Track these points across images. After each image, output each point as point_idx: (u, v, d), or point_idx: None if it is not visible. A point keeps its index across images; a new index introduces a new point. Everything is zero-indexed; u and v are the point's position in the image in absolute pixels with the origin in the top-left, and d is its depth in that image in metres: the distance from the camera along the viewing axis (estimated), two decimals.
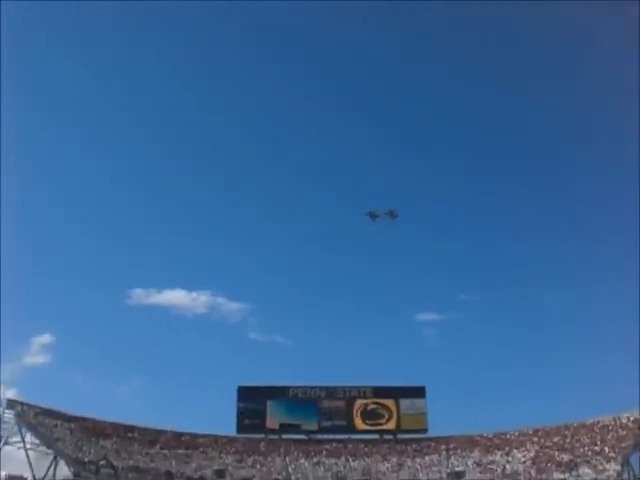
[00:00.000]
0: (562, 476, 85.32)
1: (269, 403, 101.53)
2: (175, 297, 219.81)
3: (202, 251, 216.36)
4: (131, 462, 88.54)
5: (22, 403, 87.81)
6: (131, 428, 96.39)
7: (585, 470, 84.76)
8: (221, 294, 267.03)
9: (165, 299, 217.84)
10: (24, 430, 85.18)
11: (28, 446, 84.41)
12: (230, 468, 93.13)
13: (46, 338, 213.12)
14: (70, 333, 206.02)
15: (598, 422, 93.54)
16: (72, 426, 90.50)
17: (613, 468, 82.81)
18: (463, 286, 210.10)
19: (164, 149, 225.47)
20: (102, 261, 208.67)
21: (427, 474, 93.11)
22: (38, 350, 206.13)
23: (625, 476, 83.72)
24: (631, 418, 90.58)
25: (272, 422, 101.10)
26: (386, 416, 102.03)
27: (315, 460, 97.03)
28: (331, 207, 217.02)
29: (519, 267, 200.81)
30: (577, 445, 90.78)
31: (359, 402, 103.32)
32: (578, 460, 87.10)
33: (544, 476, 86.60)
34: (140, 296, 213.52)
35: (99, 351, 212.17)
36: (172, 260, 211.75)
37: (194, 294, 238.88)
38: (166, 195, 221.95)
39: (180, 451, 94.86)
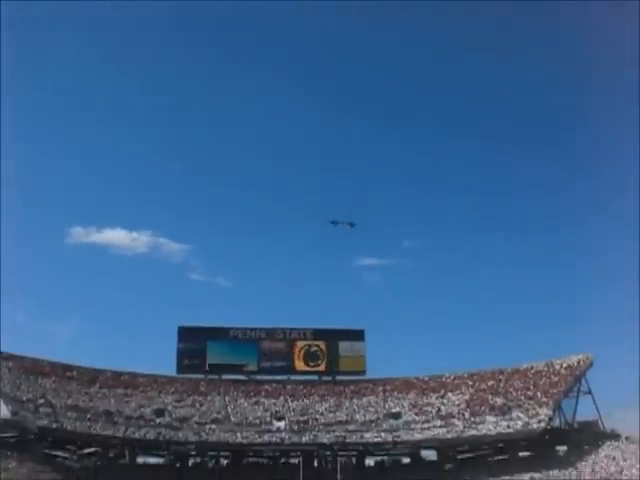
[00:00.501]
0: (495, 419, 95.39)
1: (209, 344, 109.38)
2: (115, 236, 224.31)
3: (143, 190, 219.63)
4: (70, 401, 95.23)
5: None
6: (70, 367, 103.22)
7: (518, 414, 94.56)
8: (162, 234, 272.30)
9: (105, 238, 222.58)
10: None
11: None
12: (169, 407, 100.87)
13: None
14: (7, 271, 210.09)
15: (532, 368, 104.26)
16: (10, 365, 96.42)
17: (545, 413, 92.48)
18: (406, 233, 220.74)
19: (109, 91, 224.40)
20: (41, 198, 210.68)
21: (364, 415, 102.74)
22: None
23: (556, 421, 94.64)
24: (564, 365, 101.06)
25: (212, 362, 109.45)
26: (325, 358, 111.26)
27: (254, 400, 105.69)
28: (274, 147, 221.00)
29: (461, 215, 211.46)
30: (511, 389, 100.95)
31: (299, 344, 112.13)
32: (511, 404, 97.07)
33: (478, 419, 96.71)
34: (79, 235, 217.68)
35: (37, 289, 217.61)
36: (112, 199, 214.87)
37: (135, 234, 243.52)
38: (106, 132, 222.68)
39: (119, 391, 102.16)
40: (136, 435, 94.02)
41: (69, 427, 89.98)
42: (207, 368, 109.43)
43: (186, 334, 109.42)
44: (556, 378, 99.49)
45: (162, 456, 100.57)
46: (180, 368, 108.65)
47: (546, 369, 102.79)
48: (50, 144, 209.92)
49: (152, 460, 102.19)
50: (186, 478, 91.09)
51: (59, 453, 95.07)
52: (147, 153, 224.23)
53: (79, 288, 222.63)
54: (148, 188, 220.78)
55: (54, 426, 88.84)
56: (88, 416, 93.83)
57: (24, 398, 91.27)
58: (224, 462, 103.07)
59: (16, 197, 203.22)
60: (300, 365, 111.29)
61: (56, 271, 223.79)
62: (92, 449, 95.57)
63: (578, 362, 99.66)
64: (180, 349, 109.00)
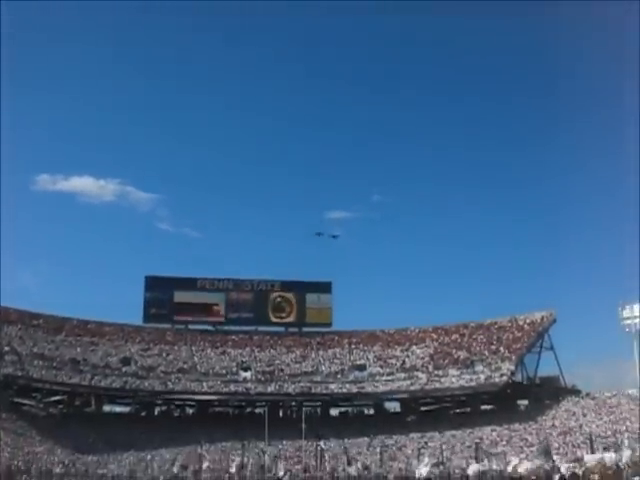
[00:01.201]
0: (458, 372, 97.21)
1: (176, 294, 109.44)
2: (82, 184, 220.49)
3: (111, 138, 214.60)
4: (36, 349, 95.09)
5: None
6: (36, 315, 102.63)
7: (480, 368, 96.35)
8: (130, 183, 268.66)
9: (72, 186, 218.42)
10: None
11: None
12: (136, 356, 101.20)
13: None
14: None
15: (495, 323, 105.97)
16: None
17: (507, 367, 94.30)
18: (375, 187, 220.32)
19: (77, 39, 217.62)
20: (6, 146, 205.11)
21: (329, 366, 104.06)
22: None
23: (518, 376, 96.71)
24: (527, 320, 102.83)
25: (179, 312, 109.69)
26: (292, 309, 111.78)
27: (221, 350, 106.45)
28: (244, 100, 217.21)
29: (429, 170, 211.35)
30: (474, 344, 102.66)
31: (266, 295, 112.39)
32: (474, 358, 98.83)
33: (441, 372, 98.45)
34: (46, 182, 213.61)
35: (1, 237, 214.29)
36: (80, 146, 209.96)
37: (102, 182, 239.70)
38: (74, 80, 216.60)
39: (86, 339, 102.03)
40: (102, 384, 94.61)
41: (35, 375, 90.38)
42: (174, 318, 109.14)
43: (153, 283, 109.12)
44: (519, 334, 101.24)
45: (128, 405, 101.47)
46: (147, 317, 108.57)
47: (509, 324, 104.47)
48: (16, 90, 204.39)
49: (118, 409, 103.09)
50: (152, 427, 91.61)
51: (25, 401, 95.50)
52: (116, 101, 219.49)
53: (45, 236, 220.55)
54: (116, 136, 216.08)
55: (20, 374, 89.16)
56: (54, 364, 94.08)
57: None
58: (190, 411, 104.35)
59: None
60: (267, 316, 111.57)
61: (22, 219, 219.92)
62: (58, 397, 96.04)
63: (541, 318, 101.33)
64: (147, 298, 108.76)
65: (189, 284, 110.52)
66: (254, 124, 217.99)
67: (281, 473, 45.85)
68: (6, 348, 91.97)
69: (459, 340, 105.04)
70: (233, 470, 43.29)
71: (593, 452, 45.01)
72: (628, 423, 75.65)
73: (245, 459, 74.94)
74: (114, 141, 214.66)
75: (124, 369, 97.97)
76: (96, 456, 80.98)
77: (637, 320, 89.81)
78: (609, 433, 73.53)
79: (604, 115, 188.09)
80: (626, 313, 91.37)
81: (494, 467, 52.59)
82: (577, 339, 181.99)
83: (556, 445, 73.42)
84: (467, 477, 46.92)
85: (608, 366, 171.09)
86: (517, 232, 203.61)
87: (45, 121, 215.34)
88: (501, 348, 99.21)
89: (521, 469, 34.63)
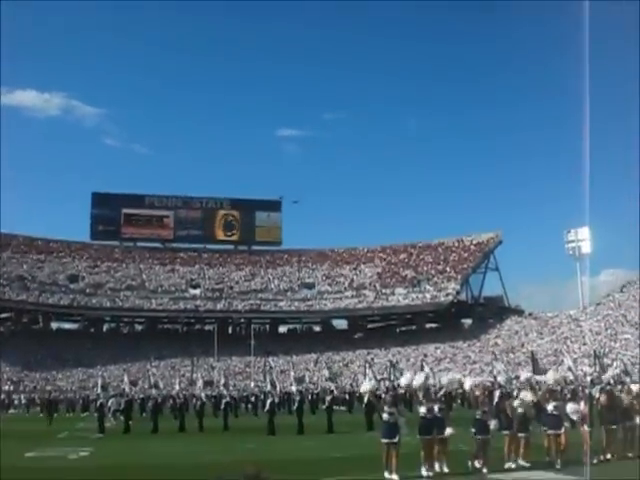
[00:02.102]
0: (405, 291, 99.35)
1: (124, 211, 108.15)
2: (26, 97, 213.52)
3: (55, 49, 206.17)
4: None
5: None
6: None
7: (427, 287, 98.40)
8: (76, 97, 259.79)
9: (16, 99, 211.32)
10: None
11: None
12: (84, 273, 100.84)
13: None
14: None
15: (442, 243, 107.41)
16: None
17: (453, 287, 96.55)
18: (326, 105, 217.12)
19: None
20: None
21: (279, 284, 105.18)
22: None
23: (463, 295, 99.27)
24: (474, 241, 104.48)
25: (126, 229, 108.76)
26: (242, 227, 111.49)
27: (169, 268, 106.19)
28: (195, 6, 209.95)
29: (379, 91, 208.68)
30: (421, 263, 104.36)
31: (215, 212, 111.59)
32: (421, 277, 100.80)
33: (388, 290, 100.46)
34: None
35: None
36: (23, 57, 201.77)
37: (47, 95, 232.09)
38: None
39: (33, 256, 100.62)
40: (50, 301, 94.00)
41: None
42: (122, 235, 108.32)
43: (100, 200, 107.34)
44: (465, 254, 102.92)
45: (77, 322, 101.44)
46: (94, 234, 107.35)
47: (456, 245, 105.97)
48: None
49: (67, 326, 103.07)
50: (101, 344, 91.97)
51: None
52: (60, 9, 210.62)
53: None
54: (61, 47, 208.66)
55: None
56: (0, 281, 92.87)
57: None
58: (139, 328, 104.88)
59: None
60: (216, 234, 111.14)
61: None
62: (5, 315, 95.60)
63: (488, 239, 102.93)
64: (94, 215, 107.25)
65: (137, 201, 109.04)
66: (207, 35, 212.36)
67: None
68: None
69: (407, 260, 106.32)
70: (177, 388, 43.84)
71: (535, 371, 46.48)
72: (569, 343, 78.15)
73: (194, 375, 75.95)
74: (58, 53, 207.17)
75: (72, 286, 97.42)
76: (45, 373, 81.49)
77: (581, 243, 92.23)
78: (550, 352, 75.85)
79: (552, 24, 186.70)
80: (571, 236, 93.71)
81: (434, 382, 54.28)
82: (522, 261, 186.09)
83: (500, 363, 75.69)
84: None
85: (551, 287, 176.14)
86: (465, 154, 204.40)
87: None
88: (447, 268, 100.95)
89: (466, 385, 35.64)
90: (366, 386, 25.14)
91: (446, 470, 16.01)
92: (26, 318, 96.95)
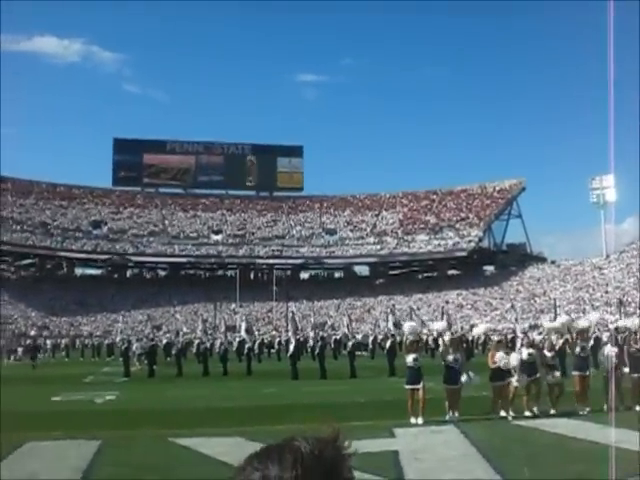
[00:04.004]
0: (427, 238, 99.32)
1: (146, 156, 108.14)
2: (46, 44, 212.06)
3: None
4: (5, 213, 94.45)
5: None
6: (4, 179, 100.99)
7: (449, 234, 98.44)
8: (95, 42, 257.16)
9: (35, 46, 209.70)
10: None
11: None
12: (107, 219, 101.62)
13: None
14: None
15: (465, 190, 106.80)
16: None
17: (475, 234, 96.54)
18: (345, 50, 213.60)
19: None
20: None
21: (300, 230, 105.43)
22: None
23: (485, 242, 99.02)
24: (497, 188, 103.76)
25: (148, 175, 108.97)
26: (263, 173, 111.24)
27: (192, 214, 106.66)
28: None
29: (398, 34, 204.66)
30: (443, 210, 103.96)
31: (237, 158, 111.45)
32: (443, 224, 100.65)
33: (410, 237, 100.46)
34: (8, 42, 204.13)
35: None
36: (41, 3, 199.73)
37: (66, 41, 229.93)
38: None
39: (55, 202, 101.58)
40: (73, 247, 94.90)
41: (5, 239, 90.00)
42: (144, 181, 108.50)
43: (122, 146, 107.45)
44: (488, 201, 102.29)
45: (100, 268, 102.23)
46: (116, 180, 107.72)
47: (479, 192, 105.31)
48: None
49: (90, 271, 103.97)
50: (124, 289, 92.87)
51: None
52: None
53: (9, 98, 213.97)
54: None
55: None
56: (24, 228, 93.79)
57: None
58: (162, 274, 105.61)
59: None
60: (238, 180, 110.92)
61: None
62: (29, 261, 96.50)
63: (511, 186, 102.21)
64: (116, 161, 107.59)
65: (159, 147, 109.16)
66: None
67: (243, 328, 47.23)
68: None
69: (429, 206, 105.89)
70: (200, 333, 44.16)
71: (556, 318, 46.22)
72: (591, 291, 77.82)
73: (217, 320, 76.51)
74: None
75: (95, 232, 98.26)
76: (69, 318, 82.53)
77: (605, 191, 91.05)
78: (572, 300, 75.60)
79: None
80: (595, 184, 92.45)
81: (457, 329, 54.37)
82: (545, 208, 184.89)
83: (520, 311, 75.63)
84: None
85: (574, 235, 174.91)
86: (488, 102, 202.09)
87: None
88: (470, 215, 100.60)
89: (478, 330, 35.63)
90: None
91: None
92: (50, 264, 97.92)
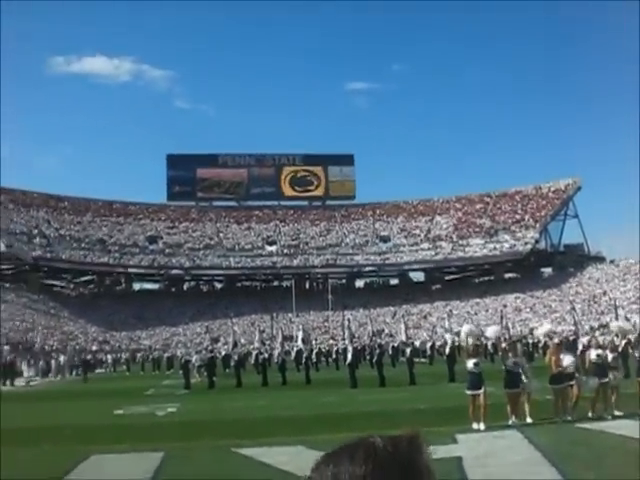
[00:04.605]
0: (482, 241, 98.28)
1: (199, 171, 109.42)
2: (96, 65, 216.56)
3: (122, 12, 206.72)
4: (63, 231, 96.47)
5: None
6: (61, 198, 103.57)
7: (504, 237, 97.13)
8: (145, 60, 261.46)
9: (86, 67, 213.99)
10: None
11: None
12: (162, 234, 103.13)
13: None
14: None
15: (520, 192, 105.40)
16: (1, 198, 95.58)
17: (531, 235, 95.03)
18: (394, 56, 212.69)
19: None
20: (18, 28, 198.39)
21: (354, 238, 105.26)
22: None
23: (542, 244, 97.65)
24: (552, 188, 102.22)
25: (202, 189, 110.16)
26: (315, 183, 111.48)
27: (245, 226, 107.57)
28: None
29: (448, 37, 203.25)
30: (498, 213, 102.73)
31: (288, 169, 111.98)
32: (498, 227, 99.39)
33: (465, 241, 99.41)
34: (59, 64, 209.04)
35: (21, 122, 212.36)
36: (90, 24, 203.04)
37: (116, 61, 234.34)
38: None
39: (112, 219, 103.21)
40: (131, 262, 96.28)
41: (64, 257, 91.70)
42: (197, 195, 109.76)
43: (175, 162, 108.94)
44: (544, 202, 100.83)
45: (157, 282, 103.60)
46: (171, 195, 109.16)
47: (534, 192, 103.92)
48: None
49: (148, 286, 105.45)
50: (182, 302, 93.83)
51: (56, 283, 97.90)
52: None
53: (64, 119, 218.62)
54: (127, 11, 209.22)
55: (49, 256, 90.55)
56: (82, 245, 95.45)
57: (17, 230, 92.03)
58: (218, 286, 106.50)
59: None
60: (289, 191, 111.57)
61: (38, 103, 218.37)
62: (88, 277, 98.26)
63: (566, 186, 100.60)
64: (170, 177, 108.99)
65: (211, 161, 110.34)
66: None
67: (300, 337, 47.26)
68: (34, 231, 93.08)
69: (483, 209, 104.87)
70: (257, 344, 44.46)
71: (617, 318, 45.35)
72: None
73: (274, 331, 76.83)
74: (125, 16, 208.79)
75: (151, 247, 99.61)
76: (129, 332, 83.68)
77: None
78: (633, 300, 73.94)
79: None
80: None
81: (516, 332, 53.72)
82: (603, 207, 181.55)
83: (580, 312, 74.37)
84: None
85: (634, 234, 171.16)
86: (543, 99, 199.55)
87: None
88: (525, 216, 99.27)
89: (541, 331, 35.07)
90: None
91: (529, 420, 15.79)
92: (108, 280, 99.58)
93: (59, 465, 12.13)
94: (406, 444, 1.05)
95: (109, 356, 66.13)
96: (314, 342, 63.23)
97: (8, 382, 42.34)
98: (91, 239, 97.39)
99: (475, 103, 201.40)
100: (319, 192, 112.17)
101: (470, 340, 17.46)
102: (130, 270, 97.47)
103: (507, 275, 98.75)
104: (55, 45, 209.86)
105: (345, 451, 1.02)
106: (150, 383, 38.13)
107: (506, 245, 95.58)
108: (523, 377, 15.99)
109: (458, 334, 41.13)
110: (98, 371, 60.72)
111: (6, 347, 55.15)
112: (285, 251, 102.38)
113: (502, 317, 39.42)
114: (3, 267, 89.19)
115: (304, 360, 36.76)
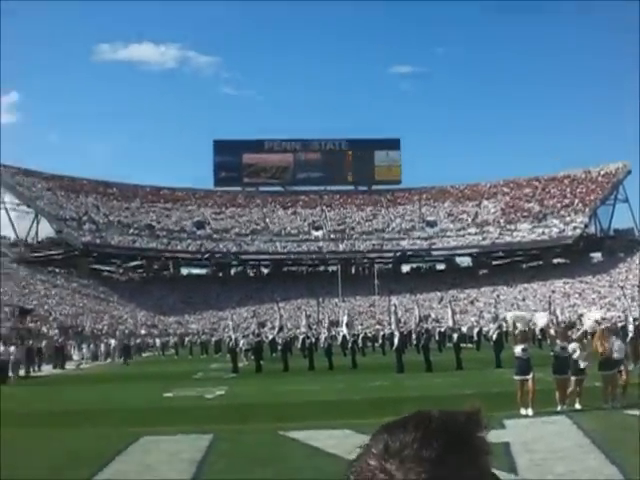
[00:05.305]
0: (530, 226, 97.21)
1: (245, 156, 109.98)
2: (142, 51, 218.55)
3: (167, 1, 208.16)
4: (112, 217, 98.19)
5: None
6: (109, 184, 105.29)
7: (553, 221, 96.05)
8: (191, 47, 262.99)
9: (132, 54, 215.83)
10: (2, 190, 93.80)
11: (8, 206, 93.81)
12: (209, 220, 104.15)
13: (13, 97, 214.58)
14: (37, 92, 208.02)
15: (568, 176, 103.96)
16: (50, 185, 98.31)
17: (580, 220, 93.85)
18: (438, 39, 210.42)
19: None
20: (65, 15, 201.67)
21: (400, 223, 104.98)
22: (5, 109, 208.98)
23: (592, 228, 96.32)
24: (601, 172, 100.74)
25: (248, 175, 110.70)
26: (361, 167, 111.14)
27: (291, 211, 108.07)
28: None
29: (495, 19, 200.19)
30: (547, 197, 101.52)
31: (334, 154, 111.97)
32: (547, 211, 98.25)
33: (513, 226, 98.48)
34: (106, 52, 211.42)
35: (70, 109, 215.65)
36: (137, 11, 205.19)
37: (162, 48, 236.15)
38: None
39: (160, 205, 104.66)
40: (178, 247, 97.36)
41: (113, 242, 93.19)
42: (244, 180, 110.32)
43: (221, 147, 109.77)
44: (593, 186, 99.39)
45: (205, 267, 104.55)
46: (217, 181, 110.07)
47: (583, 176, 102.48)
48: None
49: (195, 271, 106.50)
50: (229, 287, 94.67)
51: (105, 268, 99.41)
52: None
53: (111, 106, 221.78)
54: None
55: (98, 242, 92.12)
56: (130, 231, 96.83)
57: (67, 216, 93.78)
58: (265, 271, 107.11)
59: (44, 18, 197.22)
60: (336, 175, 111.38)
61: (85, 90, 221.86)
62: (137, 262, 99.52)
63: (616, 169, 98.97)
64: (216, 162, 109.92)
65: (257, 146, 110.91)
66: None
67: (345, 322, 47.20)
68: (83, 218, 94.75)
69: (531, 193, 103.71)
70: (304, 328, 44.60)
71: None
72: None
73: (320, 315, 77.03)
74: (171, 3, 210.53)
75: (199, 232, 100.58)
76: (177, 317, 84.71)
77: None
78: None
79: None
80: None
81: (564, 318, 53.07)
82: None
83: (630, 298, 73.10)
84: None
85: None
86: (590, 82, 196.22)
87: None
88: (574, 200, 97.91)
89: (592, 316, 34.69)
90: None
91: (578, 407, 15.67)
92: (157, 265, 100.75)
93: (111, 446, 12.37)
94: (463, 418, 1.05)
95: (157, 340, 67.00)
96: (360, 327, 63.41)
97: (59, 365, 43.16)
98: (139, 225, 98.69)
99: (522, 85, 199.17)
100: (364, 177, 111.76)
101: (518, 326, 17.38)
102: (178, 255, 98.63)
103: (556, 260, 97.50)
104: (101, 32, 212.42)
105: (401, 420, 1.05)
106: (198, 367, 38.57)
107: (555, 230, 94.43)
108: (581, 363, 15.85)
109: (505, 320, 41.01)
110: (146, 354, 61.62)
111: (57, 331, 56.19)
112: (331, 236, 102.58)
113: (550, 303, 39.09)
114: (53, 253, 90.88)
115: (350, 345, 36.85)
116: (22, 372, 36.61)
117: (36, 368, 40.03)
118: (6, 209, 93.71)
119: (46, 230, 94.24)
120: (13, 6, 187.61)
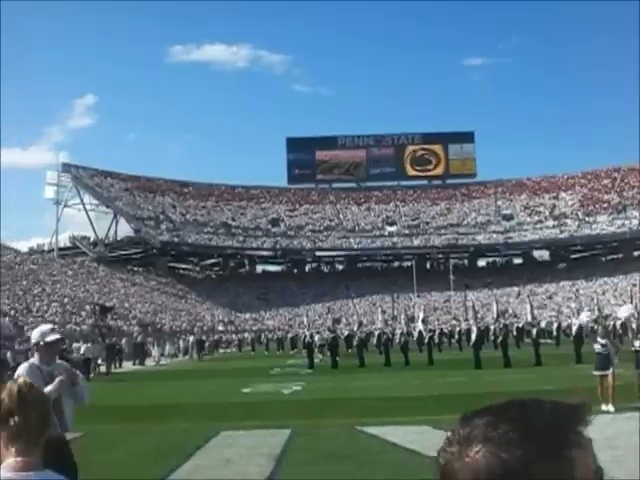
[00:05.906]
0: (609, 218, 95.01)
1: (318, 153, 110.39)
2: (215, 52, 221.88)
3: (239, 1, 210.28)
4: (188, 216, 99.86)
5: (77, 166, 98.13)
6: (185, 184, 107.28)
7: (633, 213, 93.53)
8: (262, 46, 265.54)
9: (205, 55, 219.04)
10: (82, 192, 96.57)
11: (88, 207, 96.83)
12: (284, 217, 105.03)
13: (89, 99, 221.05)
14: (113, 94, 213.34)
15: None
16: (128, 185, 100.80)
17: None
18: (510, 30, 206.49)
19: None
20: (139, 18, 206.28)
21: (476, 218, 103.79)
22: (83, 112, 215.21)
23: None
24: None
25: (322, 172, 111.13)
26: (435, 162, 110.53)
27: (365, 207, 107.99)
28: None
29: (568, 6, 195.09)
30: (626, 188, 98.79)
31: (408, 149, 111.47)
32: (627, 203, 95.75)
33: (591, 218, 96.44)
34: (179, 53, 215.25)
35: (145, 110, 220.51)
36: (209, 13, 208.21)
37: (234, 48, 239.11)
38: None
39: (235, 203, 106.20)
40: (254, 245, 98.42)
41: (190, 240, 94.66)
42: (317, 177, 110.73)
43: (295, 145, 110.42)
44: None
45: (280, 264, 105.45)
46: (291, 179, 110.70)
47: None
48: None
49: (271, 268, 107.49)
50: (304, 283, 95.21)
51: (182, 266, 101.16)
52: None
53: (186, 106, 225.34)
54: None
55: (175, 240, 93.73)
56: (207, 229, 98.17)
57: (145, 216, 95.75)
58: (339, 267, 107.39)
59: (118, 21, 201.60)
60: (409, 170, 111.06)
61: (160, 91, 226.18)
62: (213, 260, 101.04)
63: None
64: (290, 160, 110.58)
65: (330, 143, 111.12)
66: None
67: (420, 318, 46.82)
68: (161, 217, 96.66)
69: (610, 185, 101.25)
70: (380, 324, 44.62)
71: None
72: None
73: (395, 311, 76.84)
74: (242, 4, 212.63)
75: (273, 230, 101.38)
76: (253, 313, 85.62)
77: None
78: None
79: None
80: None
81: None
82: None
83: None
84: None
85: None
86: None
87: None
88: None
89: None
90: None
91: None
92: (232, 262, 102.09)
93: (191, 440, 12.65)
94: (566, 410, 1.00)
95: (234, 336, 67.89)
96: (436, 323, 63.01)
97: (138, 362, 44.18)
98: (215, 223, 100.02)
99: (598, 73, 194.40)
100: (439, 171, 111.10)
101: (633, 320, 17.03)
102: (253, 252, 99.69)
103: (636, 253, 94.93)
104: (175, 34, 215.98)
105: (494, 406, 1.01)
106: (274, 362, 38.98)
107: (635, 222, 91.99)
108: None
109: (615, 316, 40.32)
110: (223, 351, 62.44)
111: (136, 328, 57.41)
112: (405, 231, 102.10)
113: (632, 297, 38.17)
114: (132, 252, 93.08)
115: (427, 340, 36.70)
116: (103, 369, 37.64)
117: (117, 365, 41.07)
118: (86, 210, 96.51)
119: (125, 230, 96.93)
120: (87, 9, 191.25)
